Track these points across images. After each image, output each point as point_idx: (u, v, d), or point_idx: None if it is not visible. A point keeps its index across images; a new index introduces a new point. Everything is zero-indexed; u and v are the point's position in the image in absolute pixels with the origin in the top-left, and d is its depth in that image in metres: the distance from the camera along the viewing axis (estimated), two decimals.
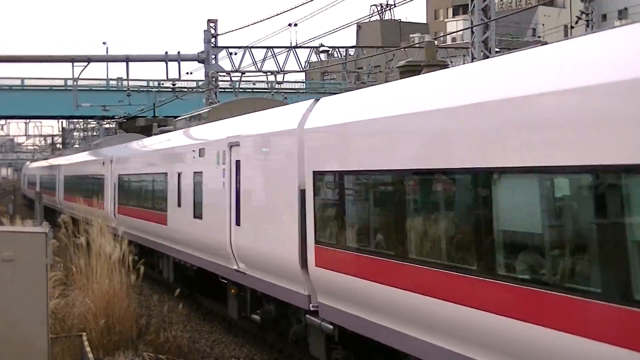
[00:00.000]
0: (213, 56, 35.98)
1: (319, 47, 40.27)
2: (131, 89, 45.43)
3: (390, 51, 43.02)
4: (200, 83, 43.90)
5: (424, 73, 11.93)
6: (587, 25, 35.45)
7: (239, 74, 38.43)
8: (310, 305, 12.12)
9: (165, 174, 20.96)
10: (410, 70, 12.93)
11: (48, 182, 52.71)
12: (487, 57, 20.95)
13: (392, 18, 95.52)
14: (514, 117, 7.34)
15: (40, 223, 25.13)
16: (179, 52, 36.34)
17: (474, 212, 7.90)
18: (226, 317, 18.25)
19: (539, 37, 69.24)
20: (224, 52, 36.91)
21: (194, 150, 18.31)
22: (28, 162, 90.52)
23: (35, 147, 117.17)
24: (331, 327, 11.45)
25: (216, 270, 16.83)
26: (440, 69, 11.32)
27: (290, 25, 36.96)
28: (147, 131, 32.51)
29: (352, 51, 44.49)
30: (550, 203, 7.13)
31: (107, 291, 16.02)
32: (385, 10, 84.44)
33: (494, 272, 7.56)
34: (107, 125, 64.83)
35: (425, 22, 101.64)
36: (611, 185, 6.36)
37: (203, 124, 20.43)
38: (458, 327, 8.18)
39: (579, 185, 6.82)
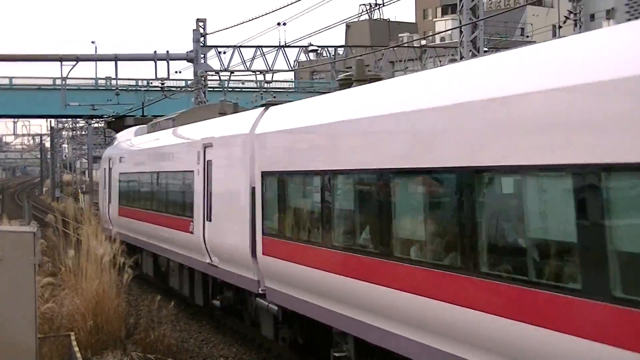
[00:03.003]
0: (202, 55, 35.90)
1: (308, 46, 40.22)
2: (120, 88, 45.24)
3: (379, 50, 43.03)
4: (189, 82, 43.80)
5: (353, 87, 12.30)
6: (575, 25, 35.52)
7: (228, 73, 38.39)
8: None
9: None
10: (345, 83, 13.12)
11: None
12: (476, 57, 20.99)
13: (381, 17, 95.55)
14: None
15: (29, 222, 25.06)
16: (167, 52, 36.21)
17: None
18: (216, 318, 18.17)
19: (527, 36, 69.37)
20: (212, 52, 36.85)
21: None
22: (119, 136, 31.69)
23: (24, 146, 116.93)
24: None
25: None
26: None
27: (279, 24, 36.97)
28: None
29: (340, 50, 44.42)
30: None
31: (97, 291, 15.99)
32: (374, 10, 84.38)
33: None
34: (96, 125, 64.65)
35: (414, 21, 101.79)
36: None
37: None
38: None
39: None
